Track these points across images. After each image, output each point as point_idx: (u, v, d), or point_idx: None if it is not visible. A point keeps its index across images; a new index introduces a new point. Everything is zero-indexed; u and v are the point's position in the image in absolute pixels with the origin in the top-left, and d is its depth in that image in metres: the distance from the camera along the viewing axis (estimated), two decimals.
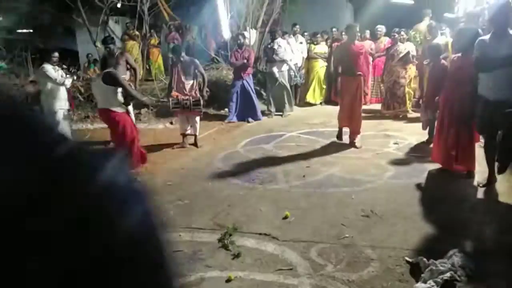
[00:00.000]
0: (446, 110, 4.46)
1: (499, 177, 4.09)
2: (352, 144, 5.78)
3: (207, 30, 11.82)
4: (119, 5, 10.40)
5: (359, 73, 5.66)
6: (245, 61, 7.65)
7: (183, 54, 6.18)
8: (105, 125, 7.55)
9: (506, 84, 3.66)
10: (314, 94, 9.32)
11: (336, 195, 4.14)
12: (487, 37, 3.84)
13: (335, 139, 6.25)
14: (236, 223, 3.61)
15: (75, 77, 5.78)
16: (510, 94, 3.64)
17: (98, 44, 9.51)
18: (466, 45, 4.09)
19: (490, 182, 4.06)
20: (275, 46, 7.96)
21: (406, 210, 3.73)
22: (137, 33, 11.28)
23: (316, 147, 5.91)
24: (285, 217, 3.68)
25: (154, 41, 11.29)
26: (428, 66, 5.68)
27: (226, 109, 8.17)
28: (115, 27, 12.31)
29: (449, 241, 3.12)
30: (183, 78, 6.04)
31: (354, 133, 5.86)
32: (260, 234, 3.43)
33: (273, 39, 8.12)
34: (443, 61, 5.11)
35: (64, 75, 5.70)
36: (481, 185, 4.12)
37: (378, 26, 8.42)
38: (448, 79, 4.48)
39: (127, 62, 6.47)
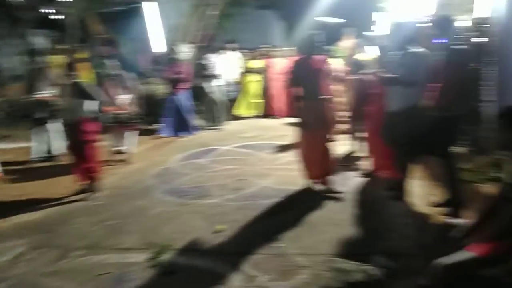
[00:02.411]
0: (371, 120, 4.70)
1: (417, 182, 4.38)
2: (330, 191, 4.44)
3: (139, 44, 11.57)
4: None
5: (323, 96, 4.35)
6: (180, 75, 7.60)
7: (117, 68, 6.03)
8: (20, 145, 7.06)
9: (399, 97, 3.93)
10: (247, 108, 9.47)
11: (268, 206, 4.19)
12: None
13: (269, 150, 6.35)
14: (168, 240, 3.52)
15: None
16: (402, 105, 3.90)
17: (22, 57, 8.93)
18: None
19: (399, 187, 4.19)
20: (206, 62, 8.01)
21: (336, 217, 3.86)
22: (63, 46, 10.74)
23: (250, 160, 5.96)
24: (218, 231, 3.65)
25: (82, 55, 10.79)
26: (352, 81, 5.99)
27: (160, 124, 8.01)
28: (39, 40, 11.62)
29: (374, 244, 3.28)
30: (117, 92, 5.87)
31: (326, 174, 4.49)
32: (193, 250, 3.36)
33: (205, 54, 8.17)
34: (364, 76, 5.41)
35: None
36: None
37: None
38: (371, 93, 4.76)
39: (52, 77, 6.14)
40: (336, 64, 7.81)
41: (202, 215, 4.05)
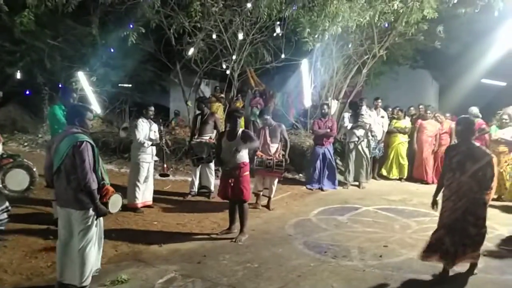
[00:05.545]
0: None
1: None
2: None
3: (289, 97, 12.29)
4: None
5: None
6: (328, 130, 7.75)
7: (269, 118, 6.45)
8: (185, 178, 7.95)
9: None
10: (392, 169, 9.02)
11: (416, 283, 3.82)
12: None
13: (415, 218, 5.88)
14: None
15: (163, 141, 6.15)
16: None
17: (189, 103, 10.33)
18: None
19: None
20: (352, 118, 7.99)
21: None
22: (222, 95, 12.06)
23: (395, 225, 5.59)
24: None
25: (239, 104, 11.92)
26: None
27: (301, 174, 8.19)
28: (205, 89, 13.32)
29: None
30: (269, 140, 6.29)
31: None
32: None
33: (356, 109, 8.13)
34: None
35: (157, 130, 6.11)
36: None
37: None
38: None
39: (215, 123, 6.88)
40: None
41: (341, 277, 3.90)
